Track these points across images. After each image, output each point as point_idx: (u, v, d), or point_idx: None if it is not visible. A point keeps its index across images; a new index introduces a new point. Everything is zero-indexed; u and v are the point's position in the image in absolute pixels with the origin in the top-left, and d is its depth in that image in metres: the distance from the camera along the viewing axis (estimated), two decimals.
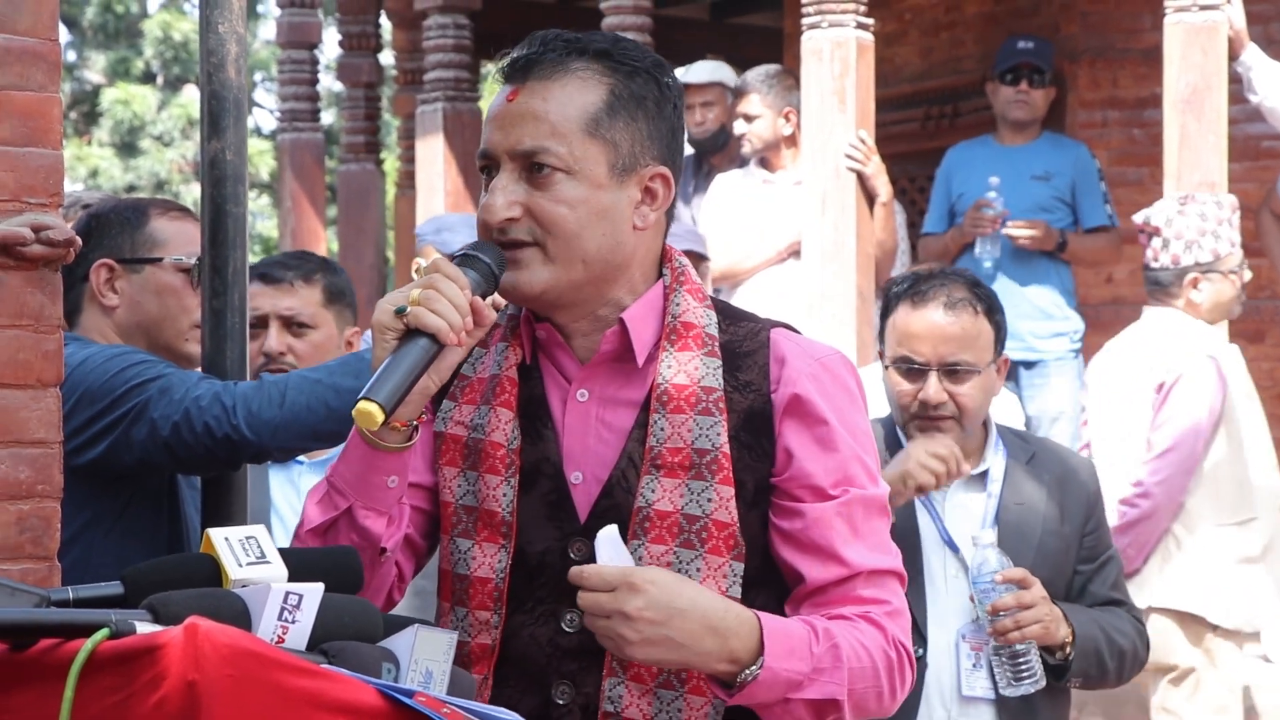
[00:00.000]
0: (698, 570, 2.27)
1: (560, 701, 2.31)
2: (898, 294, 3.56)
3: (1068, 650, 3.43)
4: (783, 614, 2.33)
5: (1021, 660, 3.38)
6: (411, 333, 2.21)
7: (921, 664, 3.38)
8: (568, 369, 2.38)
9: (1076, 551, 3.57)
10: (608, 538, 2.19)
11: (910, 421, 3.51)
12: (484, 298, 2.27)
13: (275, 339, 3.85)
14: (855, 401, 2.37)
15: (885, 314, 3.59)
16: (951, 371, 3.48)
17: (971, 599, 3.44)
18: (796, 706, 2.23)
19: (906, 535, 3.42)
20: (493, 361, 2.40)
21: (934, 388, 3.47)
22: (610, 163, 2.30)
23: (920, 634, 3.41)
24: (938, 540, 3.50)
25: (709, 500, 2.28)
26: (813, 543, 2.30)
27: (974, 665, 3.41)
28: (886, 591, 2.32)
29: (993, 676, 3.41)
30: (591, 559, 2.24)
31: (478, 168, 2.37)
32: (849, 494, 2.31)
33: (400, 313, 2.22)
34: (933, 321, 3.49)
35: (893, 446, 3.55)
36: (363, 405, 2.16)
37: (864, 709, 2.29)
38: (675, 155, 2.39)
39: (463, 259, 2.29)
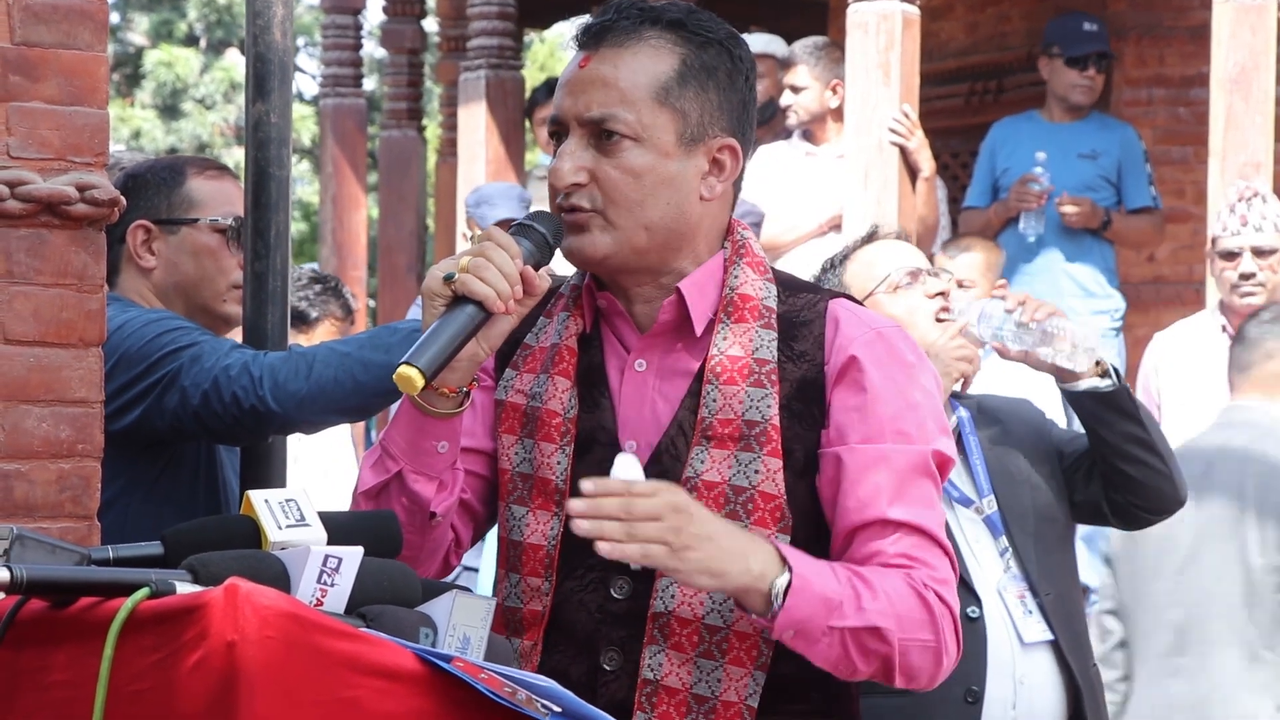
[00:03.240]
0: None
1: (608, 668, 2.31)
2: (841, 258, 3.67)
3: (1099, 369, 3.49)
4: None
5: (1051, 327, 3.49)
6: (459, 299, 2.21)
7: (981, 624, 3.39)
8: (627, 338, 2.39)
9: (1059, 462, 3.59)
10: (626, 463, 2.19)
11: (934, 325, 3.54)
12: (537, 268, 2.27)
13: None
14: (911, 370, 2.34)
15: (832, 276, 3.65)
16: (937, 275, 3.61)
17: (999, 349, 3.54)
18: (841, 641, 2.20)
19: None
20: (554, 331, 2.41)
21: (938, 282, 3.56)
22: (679, 132, 2.31)
23: (974, 594, 3.41)
24: (948, 500, 3.50)
25: (756, 472, 2.28)
26: (845, 491, 2.28)
27: (1026, 612, 3.42)
28: (917, 549, 2.27)
29: (1046, 619, 3.41)
30: None
31: (548, 133, 2.38)
32: (886, 446, 2.29)
33: (449, 279, 2.22)
34: (894, 246, 3.63)
35: None
36: (402, 370, 2.16)
37: (916, 664, 2.24)
38: (745, 128, 2.39)
39: (518, 228, 2.30)
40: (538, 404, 2.37)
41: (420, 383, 2.16)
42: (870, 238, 3.68)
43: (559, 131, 2.34)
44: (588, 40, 2.34)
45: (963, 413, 3.59)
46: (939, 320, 3.54)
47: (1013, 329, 3.49)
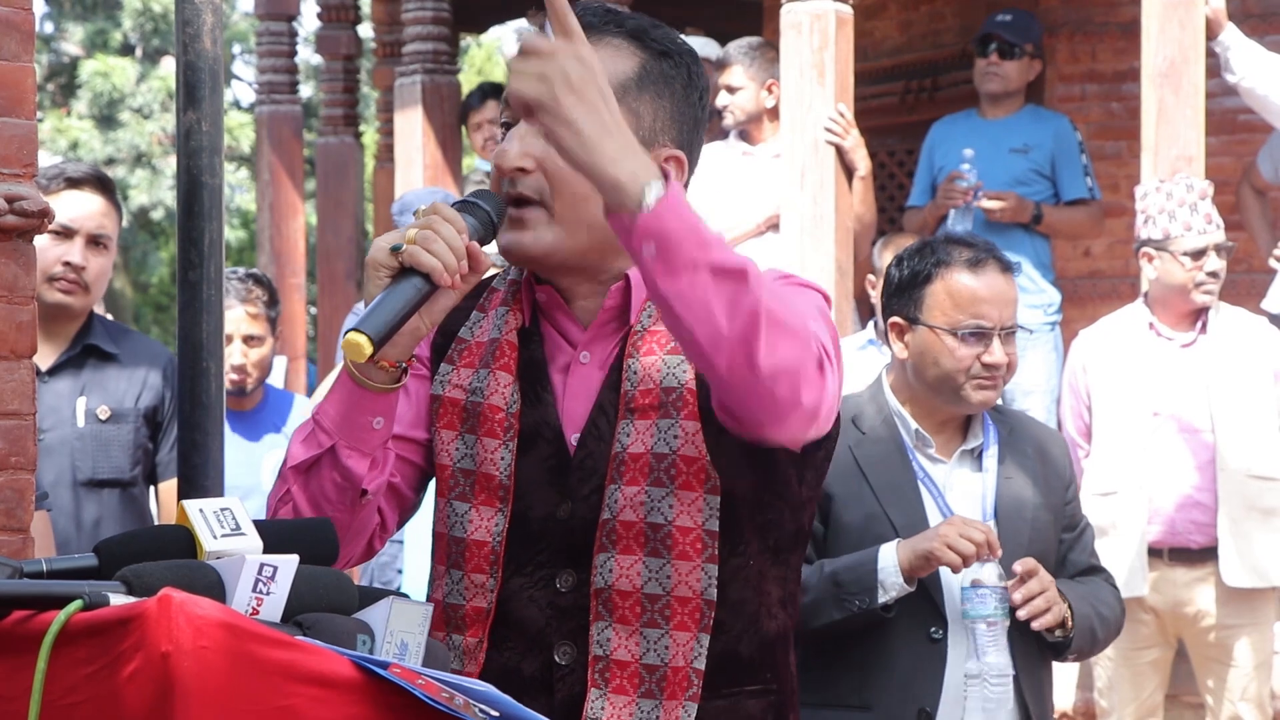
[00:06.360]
0: (671, 506, 2.28)
1: (562, 662, 2.32)
2: (942, 261, 3.55)
3: (1069, 629, 3.47)
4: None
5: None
6: (405, 271, 2.21)
7: (943, 646, 3.41)
8: (569, 332, 2.38)
9: (1060, 522, 3.60)
10: None
11: (969, 382, 3.51)
12: (481, 245, 2.27)
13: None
14: (806, 293, 2.36)
15: (917, 283, 3.55)
16: (1007, 333, 3.53)
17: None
18: (703, 282, 2.01)
19: (916, 521, 3.45)
20: (492, 325, 2.41)
21: (999, 350, 3.51)
22: (631, 132, 2.26)
23: (941, 617, 3.43)
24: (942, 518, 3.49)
25: (675, 437, 2.28)
26: None
27: (991, 641, 3.42)
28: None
29: (1011, 654, 3.42)
30: (574, 516, 2.30)
31: (500, 123, 2.37)
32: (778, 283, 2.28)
33: (396, 250, 2.21)
34: (995, 286, 3.53)
35: (889, 424, 3.56)
36: (351, 336, 2.15)
37: (783, 352, 2.06)
38: (694, 144, 2.38)
39: (462, 205, 2.29)
40: (479, 399, 2.37)
41: (369, 349, 2.16)
42: (976, 264, 3.55)
43: (511, 122, 2.33)
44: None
45: (993, 431, 3.60)
46: (977, 381, 3.50)
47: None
